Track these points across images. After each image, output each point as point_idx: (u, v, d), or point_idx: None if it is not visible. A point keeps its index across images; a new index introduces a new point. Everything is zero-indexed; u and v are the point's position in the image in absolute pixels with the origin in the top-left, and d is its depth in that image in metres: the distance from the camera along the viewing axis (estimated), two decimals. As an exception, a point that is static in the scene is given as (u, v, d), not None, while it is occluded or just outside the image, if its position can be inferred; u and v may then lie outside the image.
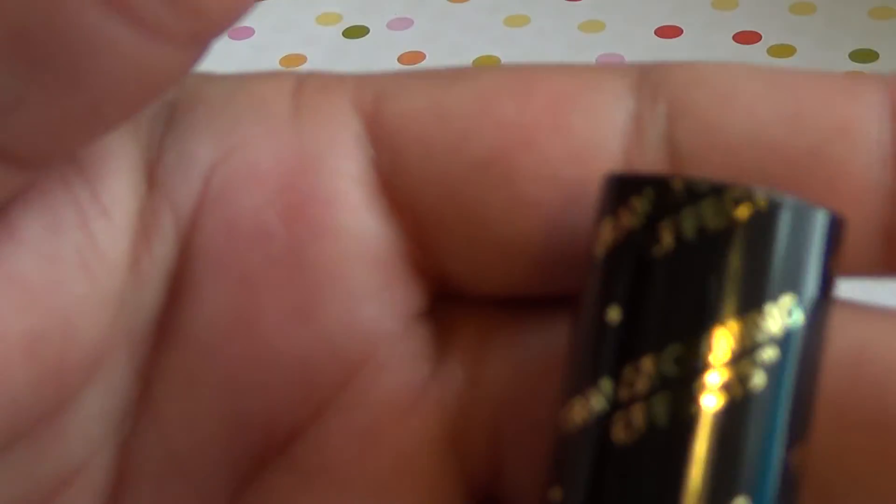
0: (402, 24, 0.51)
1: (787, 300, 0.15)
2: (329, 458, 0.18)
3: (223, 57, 0.49)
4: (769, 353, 0.15)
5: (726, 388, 0.15)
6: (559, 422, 0.16)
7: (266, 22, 0.51)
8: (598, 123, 0.17)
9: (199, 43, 0.15)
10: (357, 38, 0.50)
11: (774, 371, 0.15)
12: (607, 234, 0.16)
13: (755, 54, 0.48)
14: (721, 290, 0.15)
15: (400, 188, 0.18)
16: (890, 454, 0.16)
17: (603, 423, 0.15)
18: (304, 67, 0.49)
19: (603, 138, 0.17)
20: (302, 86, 0.18)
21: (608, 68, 0.18)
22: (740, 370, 0.15)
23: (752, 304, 0.15)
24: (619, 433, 0.15)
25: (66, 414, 0.18)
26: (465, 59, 0.49)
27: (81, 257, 0.17)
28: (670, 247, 0.15)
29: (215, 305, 0.18)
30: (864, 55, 0.47)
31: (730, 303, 0.15)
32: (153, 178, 0.18)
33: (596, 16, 0.51)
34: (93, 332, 0.18)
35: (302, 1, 0.52)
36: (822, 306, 0.15)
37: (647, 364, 0.15)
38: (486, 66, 0.18)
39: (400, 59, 0.49)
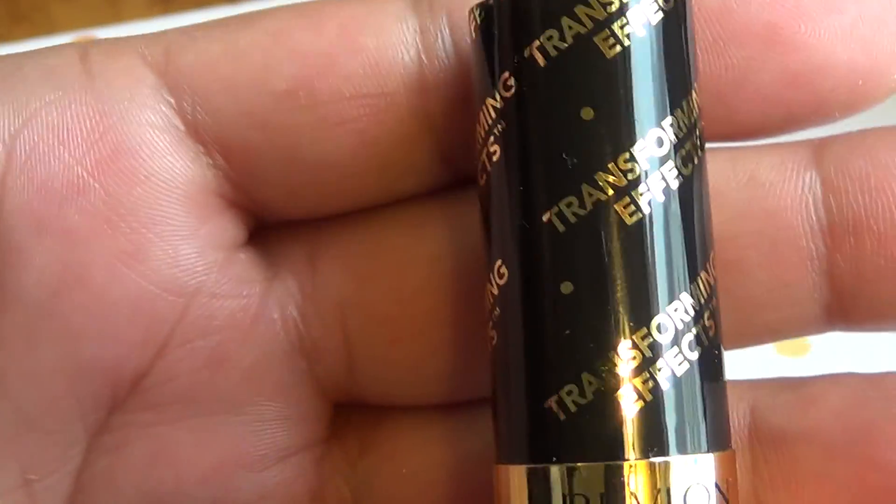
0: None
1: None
2: (181, 386, 0.19)
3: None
4: None
5: (691, 158, 0.18)
6: (546, 224, 0.17)
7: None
8: (390, 40, 0.19)
9: None
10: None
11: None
12: (555, 44, 0.17)
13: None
14: (676, 72, 0.18)
15: (207, 129, 0.19)
16: (777, 243, 0.19)
17: (604, 212, 0.17)
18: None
19: (396, 53, 0.19)
20: (87, 53, 0.19)
21: None
22: (697, 142, 0.18)
23: (694, 80, 0.18)
24: (626, 216, 0.17)
25: None
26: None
27: None
28: (626, 44, 0.17)
29: (42, 263, 0.18)
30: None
31: (684, 81, 0.18)
32: None
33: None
34: None
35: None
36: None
37: (638, 150, 0.17)
38: (271, 8, 0.19)
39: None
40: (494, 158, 0.18)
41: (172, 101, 0.19)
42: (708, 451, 0.17)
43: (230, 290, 0.20)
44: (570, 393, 0.17)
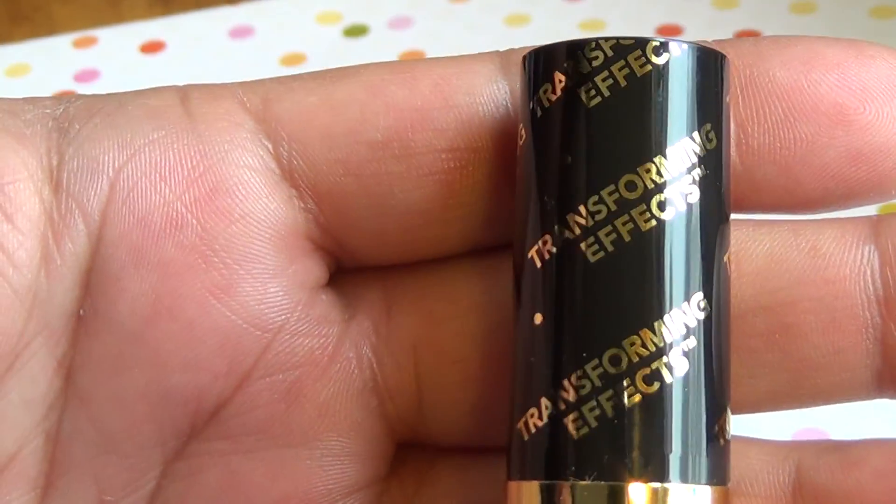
0: (402, 23, 0.51)
1: (706, 128, 0.19)
2: (258, 418, 0.20)
3: (223, 56, 0.49)
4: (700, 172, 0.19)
5: (672, 203, 0.18)
6: (529, 260, 0.19)
7: (266, 21, 0.51)
8: (482, 99, 0.20)
9: None
10: (357, 37, 0.50)
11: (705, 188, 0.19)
12: (549, 96, 0.19)
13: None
14: (656, 123, 0.18)
15: (302, 174, 0.20)
16: (834, 311, 0.20)
17: (573, 249, 0.18)
18: (305, 67, 0.49)
19: (488, 111, 0.20)
20: (188, 96, 0.20)
21: (474, 56, 0.21)
22: (682, 189, 0.18)
23: (686, 131, 0.19)
24: (589, 255, 0.18)
25: None
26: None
27: None
28: (606, 95, 0.18)
29: (137, 293, 0.19)
30: (865, 54, 0.47)
31: (665, 132, 0.18)
32: (58, 183, 0.19)
33: (596, 15, 0.51)
34: (7, 325, 0.19)
35: None
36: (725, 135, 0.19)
37: (606, 194, 0.18)
38: (366, 64, 0.21)
39: (400, 58, 0.49)
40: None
41: (270, 146, 0.20)
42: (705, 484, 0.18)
43: (311, 328, 0.20)
44: (532, 416, 0.18)
